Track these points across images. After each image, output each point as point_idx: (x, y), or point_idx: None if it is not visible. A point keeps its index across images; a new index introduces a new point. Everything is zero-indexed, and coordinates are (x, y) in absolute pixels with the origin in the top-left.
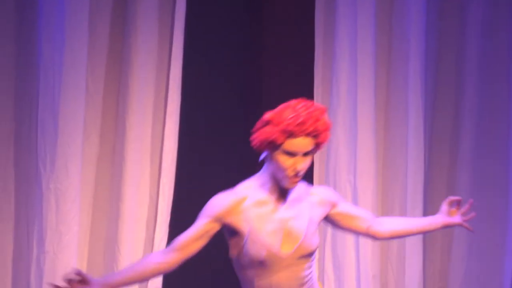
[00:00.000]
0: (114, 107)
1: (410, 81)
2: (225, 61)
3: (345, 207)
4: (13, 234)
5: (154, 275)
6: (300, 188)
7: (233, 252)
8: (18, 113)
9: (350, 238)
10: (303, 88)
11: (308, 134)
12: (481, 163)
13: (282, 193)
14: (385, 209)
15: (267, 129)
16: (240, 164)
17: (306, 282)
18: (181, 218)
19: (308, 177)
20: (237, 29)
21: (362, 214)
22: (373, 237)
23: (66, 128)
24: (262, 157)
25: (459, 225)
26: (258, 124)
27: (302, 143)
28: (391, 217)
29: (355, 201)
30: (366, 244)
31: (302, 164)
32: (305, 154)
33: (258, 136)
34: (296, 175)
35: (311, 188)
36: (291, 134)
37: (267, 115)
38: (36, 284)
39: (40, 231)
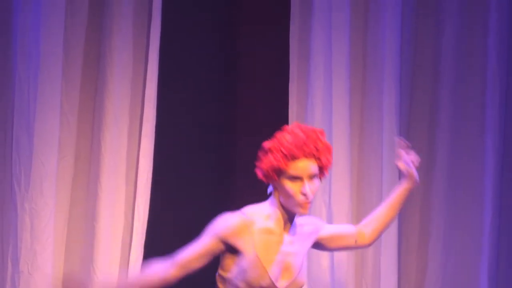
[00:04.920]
0: (89, 126)
1: (384, 100)
2: (200, 79)
3: (329, 230)
4: None
5: None
6: (301, 222)
7: (227, 270)
8: None
9: (325, 259)
10: (278, 108)
11: (309, 155)
12: (456, 173)
13: (287, 226)
14: None
15: (269, 157)
16: (216, 185)
17: None
18: (156, 239)
19: None
20: (212, 53)
21: (346, 230)
22: (364, 246)
23: (41, 147)
24: (269, 190)
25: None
26: (260, 154)
27: (305, 165)
28: (366, 218)
29: (329, 222)
30: (341, 264)
31: (309, 187)
32: (311, 177)
33: (262, 166)
34: (306, 199)
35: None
36: (293, 157)
37: (267, 144)
38: None
39: (14, 251)
